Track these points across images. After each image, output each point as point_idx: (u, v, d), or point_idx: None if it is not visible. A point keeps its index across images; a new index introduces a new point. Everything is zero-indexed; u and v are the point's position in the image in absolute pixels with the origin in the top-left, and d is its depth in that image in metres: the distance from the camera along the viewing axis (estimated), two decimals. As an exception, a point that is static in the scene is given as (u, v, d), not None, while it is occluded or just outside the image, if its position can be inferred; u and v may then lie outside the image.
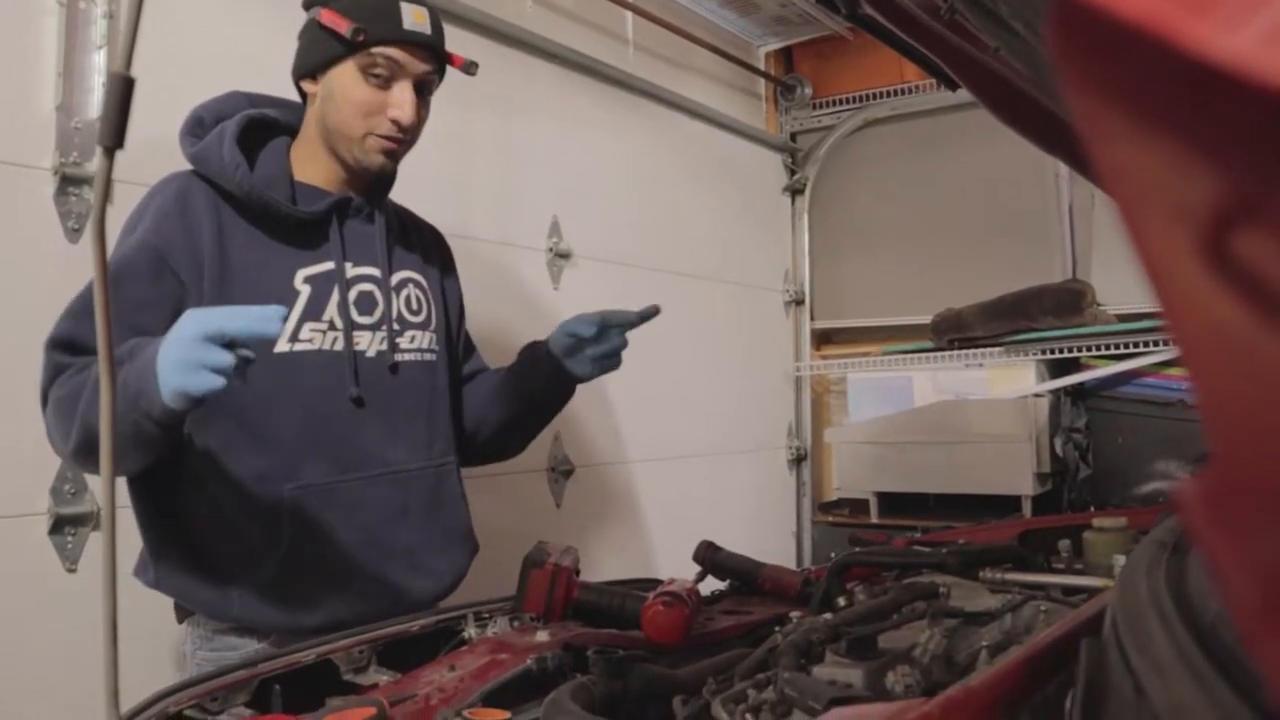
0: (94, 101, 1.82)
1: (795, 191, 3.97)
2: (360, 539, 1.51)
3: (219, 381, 1.18)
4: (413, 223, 1.75)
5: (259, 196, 1.49)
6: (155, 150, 1.80)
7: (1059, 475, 3.22)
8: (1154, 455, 3.08)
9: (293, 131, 1.61)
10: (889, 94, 3.76)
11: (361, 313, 1.55)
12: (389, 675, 1.18)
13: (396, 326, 1.60)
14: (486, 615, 1.35)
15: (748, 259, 3.73)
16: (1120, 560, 1.46)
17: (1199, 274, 0.21)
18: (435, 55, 1.54)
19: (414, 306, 1.64)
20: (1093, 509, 2.42)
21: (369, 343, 1.55)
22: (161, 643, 1.58)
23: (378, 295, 1.58)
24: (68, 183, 1.76)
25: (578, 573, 1.41)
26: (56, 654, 1.67)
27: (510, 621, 1.32)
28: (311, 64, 1.54)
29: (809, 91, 3.94)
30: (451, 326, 1.75)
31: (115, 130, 0.59)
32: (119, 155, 1.74)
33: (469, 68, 1.60)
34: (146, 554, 1.49)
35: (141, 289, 1.42)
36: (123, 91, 0.59)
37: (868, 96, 3.82)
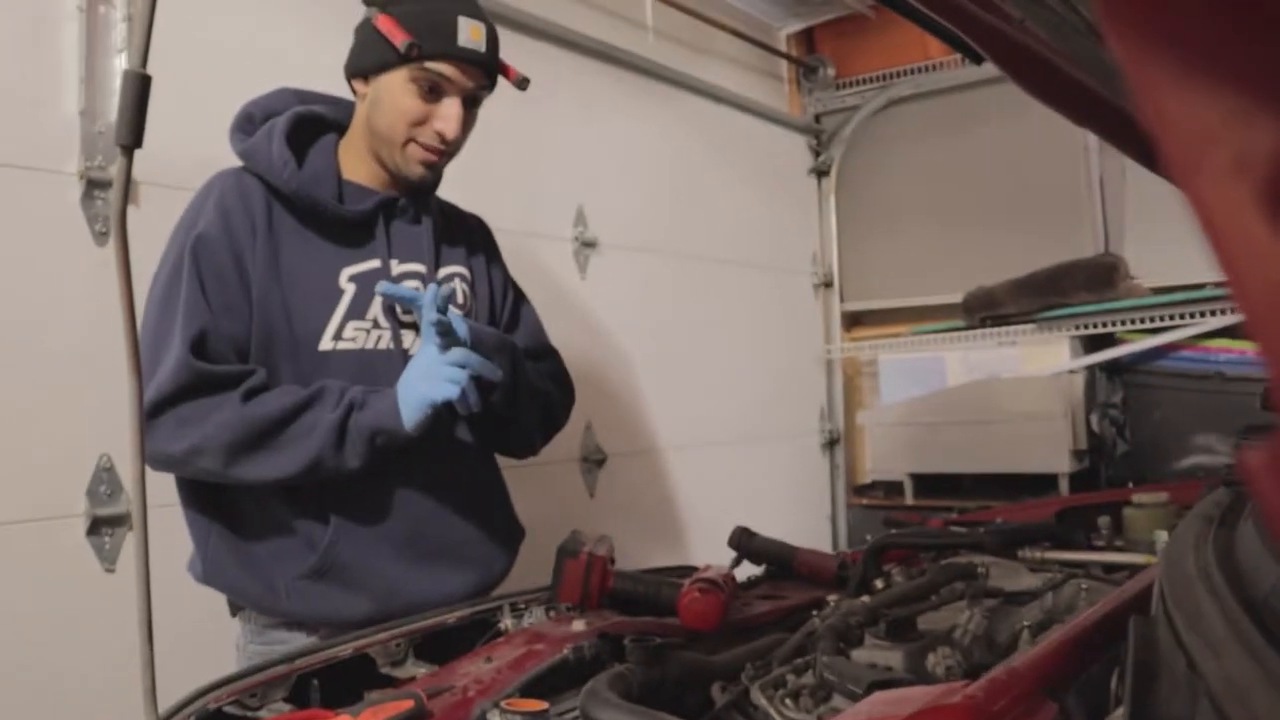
0: (117, 105, 1.83)
1: (821, 173, 3.94)
2: (406, 531, 1.51)
3: (456, 391, 1.40)
4: (457, 217, 1.73)
5: (307, 195, 1.49)
6: (185, 153, 1.82)
7: (1096, 452, 3.17)
8: (1193, 429, 3.04)
9: (341, 129, 1.61)
10: (913, 72, 3.72)
11: (406, 310, 1.54)
12: (426, 668, 1.18)
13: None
14: (522, 606, 1.34)
15: (775, 242, 3.71)
16: (1162, 536, 1.44)
17: (1260, 228, 0.19)
18: (487, 71, 1.54)
19: (458, 301, 1.62)
20: (1131, 485, 2.39)
21: (412, 341, 1.55)
22: (218, 636, 1.59)
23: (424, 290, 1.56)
24: (93, 186, 1.77)
25: (613, 561, 1.41)
26: (98, 653, 1.69)
27: (546, 612, 1.31)
28: (364, 65, 1.53)
29: (832, 72, 3.91)
30: (496, 313, 1.73)
31: (133, 129, 0.58)
32: (152, 159, 1.75)
33: (521, 83, 1.59)
34: (198, 547, 1.50)
35: (228, 292, 1.43)
36: (139, 89, 0.58)
37: (891, 75, 3.78)
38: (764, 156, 3.69)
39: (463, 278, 1.65)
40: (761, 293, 3.59)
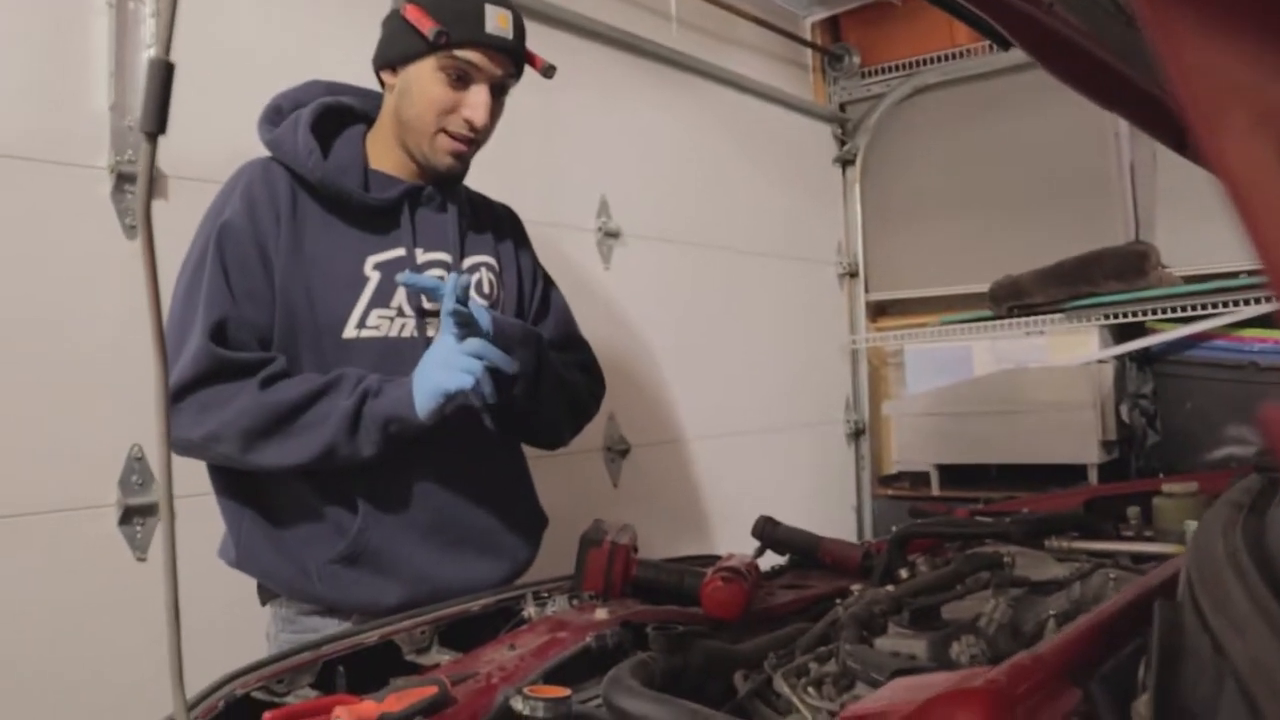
0: (145, 98, 1.85)
1: (846, 162, 3.92)
2: (432, 519, 1.52)
3: (470, 381, 1.38)
4: (485, 206, 1.74)
5: (331, 183, 1.50)
6: (213, 145, 1.83)
7: (1126, 443, 3.14)
8: (1225, 419, 3.00)
9: (370, 120, 1.62)
10: (939, 59, 3.69)
11: (431, 299, 1.53)
12: (450, 655, 1.19)
13: None
14: (545, 594, 1.35)
15: (799, 232, 3.69)
16: (1192, 526, 1.43)
17: None
18: (514, 59, 1.55)
19: (484, 290, 1.63)
20: (1162, 476, 2.36)
21: (437, 330, 1.52)
22: (248, 625, 1.61)
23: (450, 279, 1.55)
24: (124, 180, 1.79)
25: (635, 550, 1.41)
26: (129, 641, 1.71)
27: (569, 600, 1.32)
28: (391, 56, 1.54)
29: (857, 60, 3.88)
30: (525, 302, 1.73)
31: (157, 116, 0.59)
32: (180, 152, 1.77)
33: (547, 71, 1.60)
34: (228, 534, 1.53)
35: (252, 280, 1.45)
36: (163, 77, 0.59)
37: (917, 63, 3.75)
38: (788, 146, 3.67)
39: (489, 267, 1.65)
40: (786, 283, 3.58)
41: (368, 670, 1.13)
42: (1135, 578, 1.18)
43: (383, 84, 1.59)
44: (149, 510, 1.78)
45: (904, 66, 3.79)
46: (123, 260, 1.78)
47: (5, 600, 1.63)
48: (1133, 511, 1.61)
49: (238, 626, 1.62)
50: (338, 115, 1.59)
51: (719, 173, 3.27)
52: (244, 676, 1.05)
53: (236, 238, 1.45)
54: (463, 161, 1.58)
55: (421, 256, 1.57)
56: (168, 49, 0.62)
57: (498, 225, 1.73)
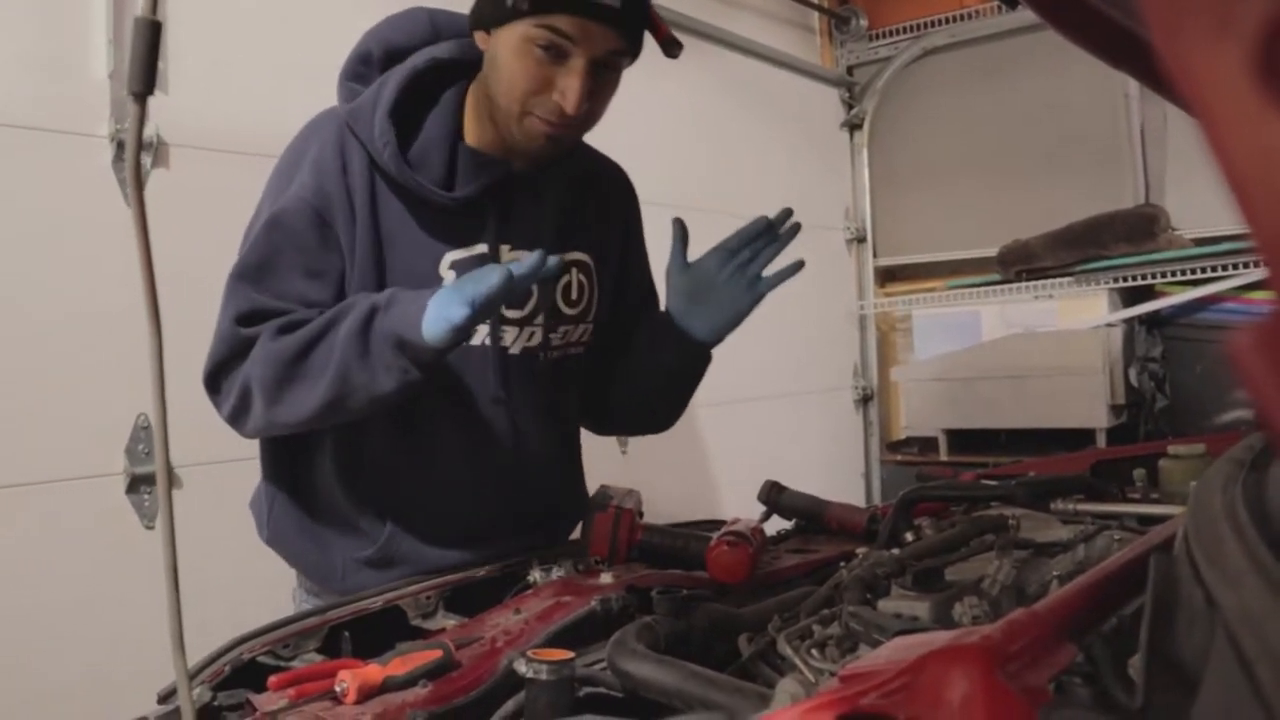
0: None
1: (853, 126, 3.88)
2: (466, 528, 1.42)
3: (496, 275, 1.12)
4: (594, 181, 1.54)
5: (409, 178, 1.30)
6: (215, 114, 1.82)
7: (1134, 406, 3.13)
8: (1234, 383, 2.98)
9: (476, 68, 1.36)
10: (947, 20, 3.65)
11: (510, 305, 1.36)
12: (456, 620, 1.19)
13: (549, 320, 1.42)
14: (551, 559, 1.35)
15: (807, 197, 3.66)
16: (1198, 487, 1.42)
17: (1247, 92, 0.18)
18: (626, 31, 1.25)
19: (573, 296, 1.46)
20: (1170, 439, 2.35)
21: (513, 339, 1.40)
22: (257, 593, 1.61)
23: (533, 286, 1.37)
24: (124, 149, 1.78)
25: (641, 515, 1.41)
26: (138, 608, 1.72)
27: (574, 565, 1.32)
28: (481, 17, 1.29)
29: (864, 22, 3.84)
30: (623, 301, 1.58)
31: (145, 76, 0.58)
32: (182, 121, 1.76)
33: (669, 45, 1.33)
34: (263, 509, 1.47)
35: (311, 258, 1.30)
36: (150, 36, 0.58)
37: (926, 25, 3.71)
38: (796, 110, 3.64)
39: (582, 266, 1.48)
40: (793, 248, 3.54)
41: (374, 635, 1.13)
42: (1139, 539, 1.18)
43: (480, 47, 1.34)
44: (155, 478, 1.79)
45: (912, 29, 3.75)
46: (125, 228, 1.76)
47: (14, 569, 1.64)
48: (1139, 474, 1.60)
49: (248, 593, 1.63)
50: (440, 73, 1.35)
51: (725, 137, 3.25)
52: (250, 641, 1.06)
53: (299, 217, 1.29)
54: (560, 144, 1.33)
55: (506, 255, 1.37)
56: (155, 8, 0.61)
57: (603, 209, 1.54)
